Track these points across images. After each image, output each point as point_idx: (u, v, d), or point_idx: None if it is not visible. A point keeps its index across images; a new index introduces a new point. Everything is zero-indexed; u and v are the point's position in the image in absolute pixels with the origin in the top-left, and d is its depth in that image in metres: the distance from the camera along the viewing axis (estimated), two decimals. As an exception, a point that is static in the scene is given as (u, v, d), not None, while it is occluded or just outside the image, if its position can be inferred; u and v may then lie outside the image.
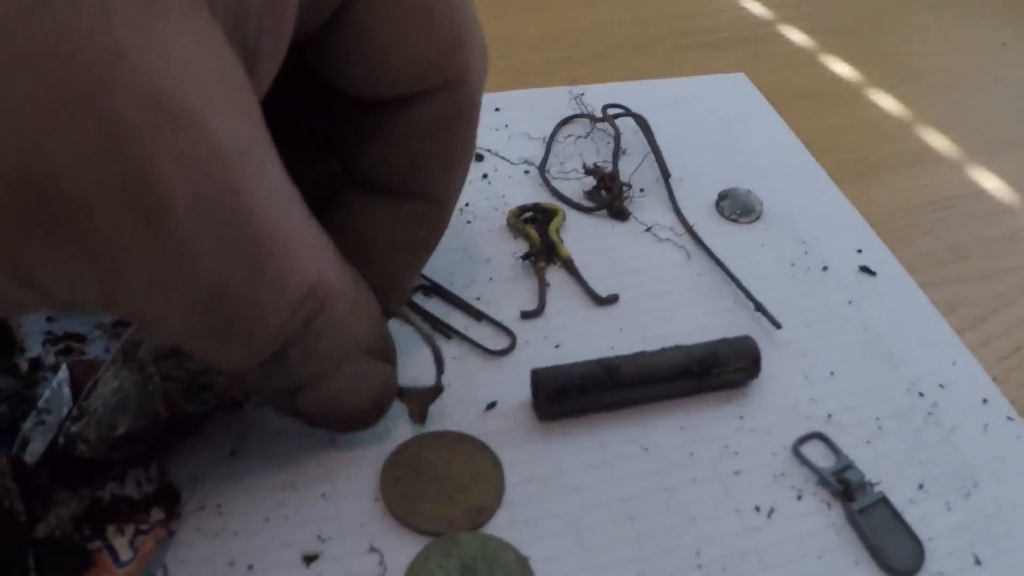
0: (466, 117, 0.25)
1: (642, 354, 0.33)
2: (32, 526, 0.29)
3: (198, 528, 0.29)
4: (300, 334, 0.22)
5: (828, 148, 0.45)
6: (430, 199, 0.27)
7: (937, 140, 0.49)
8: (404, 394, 0.31)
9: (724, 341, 0.33)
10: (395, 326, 0.31)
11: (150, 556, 0.29)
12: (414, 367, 0.33)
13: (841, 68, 0.53)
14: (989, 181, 0.46)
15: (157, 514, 0.30)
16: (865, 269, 0.39)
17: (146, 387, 0.32)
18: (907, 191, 0.45)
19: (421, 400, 0.31)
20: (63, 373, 0.34)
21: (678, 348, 0.33)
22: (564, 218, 0.39)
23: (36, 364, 0.35)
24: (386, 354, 0.27)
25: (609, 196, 0.39)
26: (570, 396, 0.31)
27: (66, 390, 0.33)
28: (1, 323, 0.35)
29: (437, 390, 0.31)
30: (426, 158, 0.26)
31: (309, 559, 0.29)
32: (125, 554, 0.29)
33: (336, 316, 0.23)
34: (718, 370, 0.33)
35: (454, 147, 0.26)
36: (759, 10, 0.58)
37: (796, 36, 0.56)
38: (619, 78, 0.48)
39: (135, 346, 0.33)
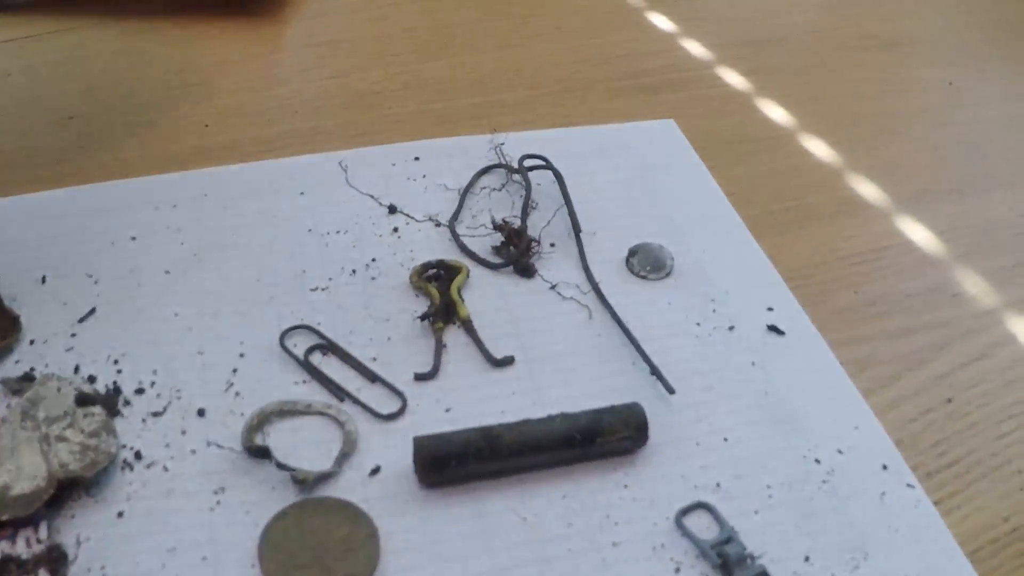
0: None
1: (526, 422, 0.32)
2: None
3: (80, 592, 0.29)
4: None
5: (754, 198, 0.45)
6: None
7: (867, 188, 0.48)
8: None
9: (611, 409, 0.33)
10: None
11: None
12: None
13: (776, 112, 0.52)
14: (917, 231, 0.45)
15: (44, 575, 0.30)
16: (773, 328, 0.39)
17: (41, 448, 0.32)
18: (831, 243, 0.44)
19: (307, 476, 0.32)
20: None
21: (564, 416, 0.33)
22: (468, 275, 0.38)
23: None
24: None
25: (515, 252, 0.39)
26: (449, 465, 0.31)
27: None
28: None
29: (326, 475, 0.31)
30: None
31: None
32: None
33: None
34: (602, 439, 0.32)
35: None
36: (698, 50, 0.57)
37: (733, 78, 0.55)
38: (546, 124, 0.47)
39: (34, 404, 0.34)
